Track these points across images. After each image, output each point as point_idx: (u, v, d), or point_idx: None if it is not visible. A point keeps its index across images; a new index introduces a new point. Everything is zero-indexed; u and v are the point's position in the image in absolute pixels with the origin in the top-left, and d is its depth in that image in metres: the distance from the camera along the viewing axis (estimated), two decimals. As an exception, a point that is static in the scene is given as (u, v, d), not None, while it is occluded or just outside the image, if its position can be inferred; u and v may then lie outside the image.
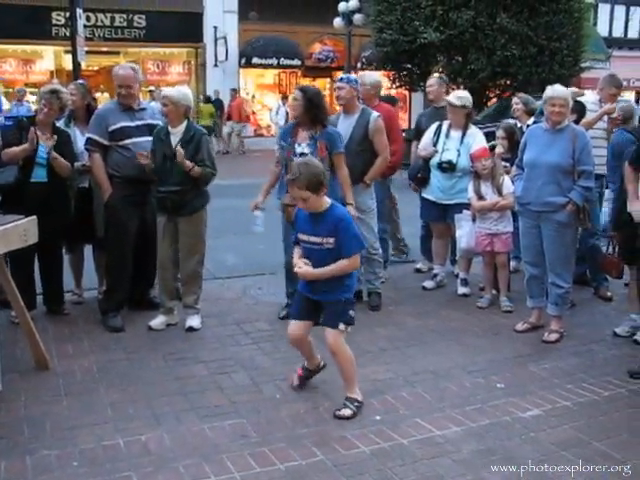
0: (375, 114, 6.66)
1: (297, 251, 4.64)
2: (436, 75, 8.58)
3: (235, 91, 24.58)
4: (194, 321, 6.02)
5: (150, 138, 5.90)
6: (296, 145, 6.00)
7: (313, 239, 4.47)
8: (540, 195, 5.73)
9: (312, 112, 5.90)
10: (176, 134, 5.78)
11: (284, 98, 23.44)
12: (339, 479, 3.76)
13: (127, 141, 5.92)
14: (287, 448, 4.06)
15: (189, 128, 5.81)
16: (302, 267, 4.47)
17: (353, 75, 6.94)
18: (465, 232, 6.85)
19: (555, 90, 5.76)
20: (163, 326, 5.99)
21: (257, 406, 4.60)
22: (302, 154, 5.87)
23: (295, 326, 4.68)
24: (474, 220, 6.78)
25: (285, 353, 5.45)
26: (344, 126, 6.53)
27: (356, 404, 4.51)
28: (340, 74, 9.48)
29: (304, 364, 4.90)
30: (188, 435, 4.20)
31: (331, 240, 4.40)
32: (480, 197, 6.64)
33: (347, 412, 4.45)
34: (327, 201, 4.46)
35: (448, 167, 6.93)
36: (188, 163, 5.65)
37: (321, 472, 3.82)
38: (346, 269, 4.46)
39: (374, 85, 7.22)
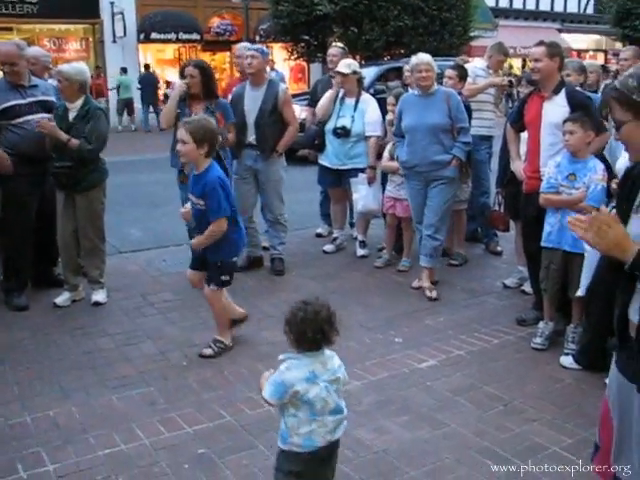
0: (283, 85, 6.82)
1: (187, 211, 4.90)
2: (339, 45, 8.72)
3: (99, 68, 23.62)
4: (99, 295, 6.04)
5: (44, 115, 5.81)
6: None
7: (192, 198, 4.74)
8: (426, 156, 6.03)
9: (208, 85, 6.09)
10: (73, 110, 5.74)
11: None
12: (246, 437, 3.92)
13: (20, 119, 5.79)
14: (195, 412, 4.20)
15: (85, 103, 5.77)
16: (193, 241, 4.83)
17: (265, 47, 6.98)
18: (362, 195, 7.06)
19: (419, 57, 6.11)
20: (68, 302, 5.99)
21: (164, 374, 4.72)
22: None
23: (190, 274, 5.11)
24: (370, 183, 7.00)
25: (191, 321, 5.59)
26: (252, 98, 6.62)
27: (219, 345, 4.98)
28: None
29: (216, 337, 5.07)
30: (97, 407, 4.28)
31: (202, 202, 4.65)
32: (392, 158, 6.85)
33: (208, 351, 4.96)
34: (208, 163, 4.64)
35: (342, 133, 7.11)
36: (63, 135, 5.61)
37: (229, 432, 3.98)
38: (213, 234, 4.71)
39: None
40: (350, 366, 4.74)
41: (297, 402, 2.93)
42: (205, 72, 6.26)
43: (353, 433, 3.93)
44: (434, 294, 6.15)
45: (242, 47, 7.55)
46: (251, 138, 6.64)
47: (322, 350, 3.02)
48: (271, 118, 6.58)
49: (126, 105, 22.96)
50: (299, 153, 11.55)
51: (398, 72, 13.93)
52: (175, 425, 4.06)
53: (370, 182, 7.03)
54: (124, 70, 23.45)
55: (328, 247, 7.59)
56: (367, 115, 7.09)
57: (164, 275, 6.80)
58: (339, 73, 7.09)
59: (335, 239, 7.66)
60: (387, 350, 5.08)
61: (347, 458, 3.69)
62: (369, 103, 7.18)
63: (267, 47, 7.91)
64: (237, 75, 7.92)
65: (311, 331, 2.92)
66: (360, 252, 7.36)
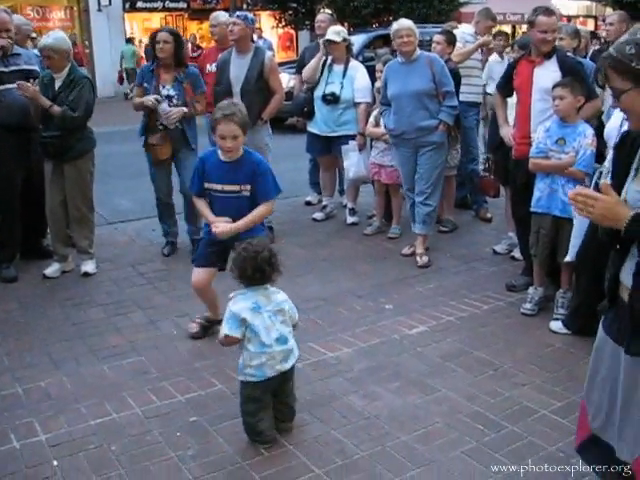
0: (269, 53, 6.74)
1: (204, 205, 4.55)
2: (327, 11, 8.65)
3: (74, 35, 22.48)
4: (89, 266, 6.02)
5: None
6: (160, 87, 6.08)
7: (229, 187, 4.39)
8: (412, 122, 6.00)
9: (179, 54, 6.01)
10: (59, 79, 5.67)
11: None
12: (237, 405, 3.90)
13: (1, 87, 5.70)
14: (186, 381, 4.21)
15: (70, 72, 5.69)
16: (219, 227, 4.36)
17: (250, 14, 6.88)
18: (353, 162, 7.02)
19: (399, 23, 6.08)
20: (58, 273, 5.97)
21: (155, 343, 4.72)
22: (168, 96, 6.06)
23: (199, 274, 4.66)
24: (360, 150, 6.97)
25: (181, 291, 5.57)
26: (238, 66, 6.57)
27: None
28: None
29: (205, 313, 4.90)
30: (88, 377, 4.28)
31: (248, 187, 4.35)
32: (377, 124, 6.81)
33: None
34: (242, 147, 4.40)
35: (332, 99, 7.06)
36: (44, 101, 5.53)
37: (220, 400, 4.00)
38: (264, 214, 4.52)
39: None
40: (341, 333, 4.82)
41: (248, 334, 3.41)
42: (178, 39, 6.17)
43: (344, 399, 3.97)
44: (425, 260, 6.16)
45: (216, 16, 7.52)
46: None
47: (265, 286, 3.50)
48: (257, 86, 6.52)
49: (128, 74, 22.67)
50: (287, 122, 11.49)
51: (386, 39, 13.84)
52: (167, 394, 4.07)
53: (360, 149, 6.99)
54: (128, 40, 23.31)
55: (318, 215, 7.57)
56: (356, 81, 7.04)
57: (153, 245, 6.78)
58: (329, 41, 7.01)
59: (325, 207, 7.65)
60: (377, 317, 5.09)
61: (339, 424, 3.73)
62: (358, 69, 7.13)
63: (255, 15, 7.83)
64: (214, 44, 7.82)
65: (251, 269, 3.41)
66: (350, 219, 7.36)
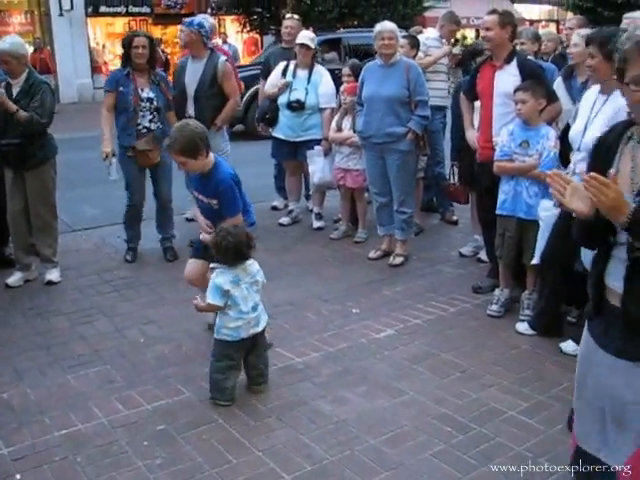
0: (223, 58, 6.71)
1: (198, 211, 4.69)
2: (295, 16, 8.62)
3: (39, 39, 21.63)
4: (53, 274, 5.94)
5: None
6: (139, 90, 6.07)
7: (202, 198, 4.52)
8: (381, 127, 5.99)
9: (153, 56, 6.09)
10: (16, 85, 5.58)
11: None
12: (205, 412, 3.90)
13: None
14: (154, 389, 4.17)
15: (29, 77, 5.61)
16: (205, 235, 4.49)
17: (197, 19, 6.82)
18: (318, 167, 7.02)
19: (382, 25, 6.06)
20: (21, 282, 5.88)
21: (122, 351, 4.67)
22: (149, 99, 6.09)
23: (190, 265, 4.77)
24: (326, 155, 6.98)
25: (147, 297, 5.54)
26: (193, 70, 6.58)
27: None
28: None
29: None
30: (53, 387, 4.22)
31: (214, 201, 4.43)
32: (339, 129, 6.83)
33: None
34: (211, 161, 4.39)
35: (297, 106, 7.06)
36: (11, 105, 5.43)
37: (188, 408, 3.96)
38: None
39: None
40: (308, 338, 4.81)
41: (229, 302, 3.89)
42: (153, 42, 6.24)
43: (312, 404, 3.97)
44: (398, 260, 6.23)
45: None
46: (190, 111, 6.58)
47: (244, 262, 3.96)
48: (210, 90, 6.53)
49: None
50: (234, 129, 11.43)
51: (333, 44, 13.77)
52: (133, 402, 4.02)
53: (326, 154, 6.99)
54: None
55: (284, 219, 7.57)
56: (321, 87, 7.04)
57: (119, 252, 6.70)
58: (304, 46, 7.02)
59: (291, 211, 7.64)
60: (345, 321, 5.09)
61: (307, 429, 3.72)
62: (322, 75, 7.13)
63: (219, 20, 7.81)
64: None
65: (233, 253, 3.90)
66: (316, 224, 7.36)
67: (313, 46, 7.05)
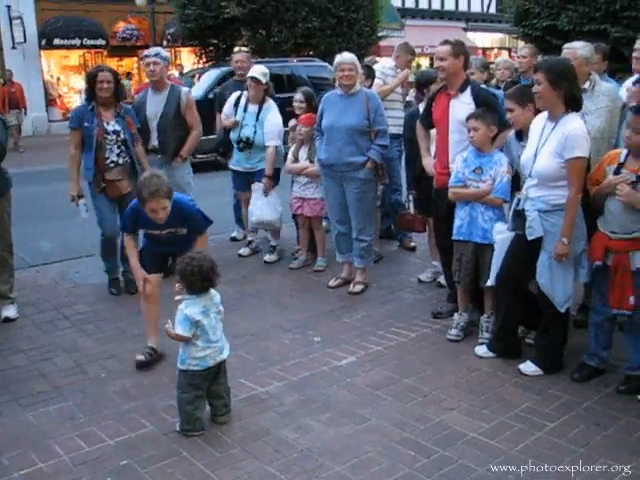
0: (185, 89, 6.79)
1: (135, 255, 4.83)
2: (244, 49, 8.71)
3: (10, 73, 20.42)
4: (10, 311, 5.86)
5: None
6: (105, 124, 6.07)
7: (167, 230, 4.67)
8: (341, 156, 6.06)
9: (118, 90, 6.08)
10: None
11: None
12: (170, 445, 3.88)
13: None
14: (116, 423, 4.13)
15: None
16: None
17: (158, 50, 6.88)
18: (256, 206, 7.02)
19: (342, 56, 6.13)
20: (-23, 320, 5.79)
21: (82, 387, 4.62)
22: (115, 132, 6.10)
23: (154, 278, 4.88)
24: (266, 194, 6.98)
25: (107, 332, 5.50)
26: (154, 103, 6.61)
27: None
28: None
29: (148, 344, 4.94)
30: (11, 427, 4.14)
31: (184, 229, 4.69)
32: (296, 160, 6.89)
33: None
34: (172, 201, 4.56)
35: (245, 145, 7.13)
36: None
37: (151, 441, 3.93)
38: (203, 246, 4.70)
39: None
40: (270, 367, 4.82)
41: (198, 333, 3.92)
42: (117, 76, 6.25)
43: (276, 433, 3.97)
44: (357, 288, 6.28)
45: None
46: (154, 143, 6.60)
47: (209, 290, 4.01)
48: (174, 122, 6.58)
49: None
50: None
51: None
52: (95, 438, 3.98)
53: (266, 193, 7.00)
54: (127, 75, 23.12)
55: (243, 250, 7.58)
56: (266, 124, 7.04)
57: (78, 287, 6.65)
58: (254, 79, 7.05)
59: (250, 242, 7.65)
60: (306, 350, 5.11)
61: (272, 458, 3.72)
62: (269, 111, 7.12)
63: (176, 51, 7.89)
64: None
65: (199, 281, 3.92)
66: (267, 257, 7.33)
67: (264, 81, 7.06)
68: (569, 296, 4.51)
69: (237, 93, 7.35)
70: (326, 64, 16.44)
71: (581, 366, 4.61)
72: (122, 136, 6.16)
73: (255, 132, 7.08)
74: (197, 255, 3.99)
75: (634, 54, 5.20)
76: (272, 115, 7.10)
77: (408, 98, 8.50)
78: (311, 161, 6.71)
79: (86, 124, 6.10)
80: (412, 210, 6.57)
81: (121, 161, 6.18)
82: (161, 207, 4.43)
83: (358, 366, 4.83)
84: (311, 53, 21.33)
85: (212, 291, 4.05)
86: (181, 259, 4.00)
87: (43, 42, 24.30)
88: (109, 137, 6.12)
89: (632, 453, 3.70)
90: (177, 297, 4.02)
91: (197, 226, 4.72)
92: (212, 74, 15.09)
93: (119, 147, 6.17)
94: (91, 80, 6.13)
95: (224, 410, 4.13)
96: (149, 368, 4.84)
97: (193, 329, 3.92)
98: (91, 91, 6.15)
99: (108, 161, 6.13)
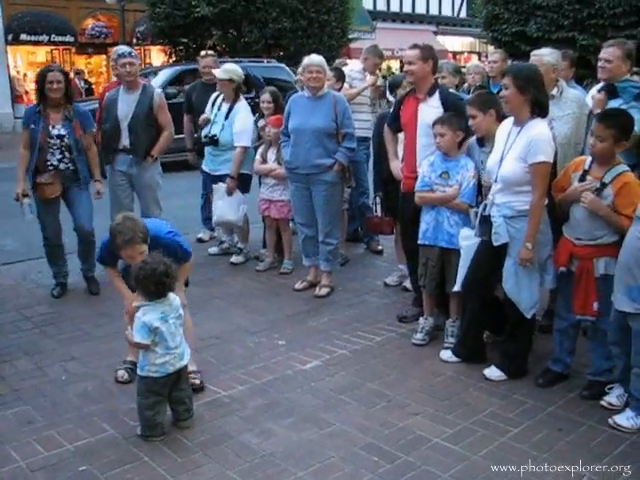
0: (158, 90, 6.71)
1: (121, 281, 4.60)
2: (210, 53, 8.67)
3: None
4: (-31, 312, 5.76)
5: None
6: (50, 127, 5.98)
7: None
8: (308, 159, 6.04)
9: (69, 91, 5.96)
10: None
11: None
12: (130, 450, 3.82)
13: None
14: (76, 428, 4.06)
15: None
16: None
17: (129, 49, 6.79)
18: (217, 205, 6.97)
19: (310, 59, 6.10)
20: None
21: (42, 390, 4.53)
22: (59, 136, 5.98)
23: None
24: (229, 194, 6.91)
25: (70, 334, 5.43)
26: (126, 102, 6.51)
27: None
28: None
29: (127, 358, 4.72)
30: (-33, 432, 4.06)
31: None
32: (264, 161, 6.85)
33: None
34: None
35: (210, 141, 7.08)
36: None
37: (112, 446, 3.87)
38: (186, 274, 4.66)
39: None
40: (234, 371, 4.78)
41: (157, 339, 3.85)
42: (68, 77, 6.13)
43: (239, 438, 3.93)
44: (323, 292, 6.26)
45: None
46: (125, 142, 6.51)
47: (167, 295, 3.92)
48: (146, 122, 6.49)
49: None
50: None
51: (195, 74, 13.47)
52: (54, 443, 3.90)
53: (229, 192, 6.93)
54: None
55: (213, 249, 7.57)
56: (235, 124, 6.98)
57: (40, 287, 6.55)
58: (218, 78, 7.06)
59: (222, 242, 7.60)
60: (271, 353, 5.08)
61: (234, 464, 3.68)
62: (239, 111, 7.06)
63: (145, 50, 7.82)
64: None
65: (153, 285, 3.83)
66: (234, 259, 7.27)
67: (227, 77, 6.98)
68: (535, 302, 4.54)
69: (216, 93, 7.30)
70: (283, 65, 16.41)
71: (545, 371, 4.63)
72: (66, 141, 6.02)
73: (222, 130, 7.03)
74: (151, 259, 3.91)
75: (599, 62, 5.24)
76: (242, 115, 7.04)
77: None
78: (279, 163, 6.68)
79: (32, 126, 6.00)
80: (379, 213, 6.56)
81: (62, 166, 6.05)
82: (138, 252, 4.17)
83: (323, 370, 4.81)
84: (281, 54, 21.34)
85: (171, 296, 3.97)
86: (136, 264, 3.93)
87: (9, 37, 23.91)
88: (52, 141, 5.99)
89: (593, 458, 3.72)
90: (134, 304, 3.95)
91: (176, 258, 4.31)
92: (166, 72, 14.94)
93: (62, 152, 6.04)
94: (40, 80, 5.99)
95: (186, 415, 4.08)
96: (113, 370, 4.76)
97: (152, 336, 3.85)
98: (41, 92, 6.01)
99: (48, 164, 6.01)
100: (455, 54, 38.77)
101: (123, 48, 6.81)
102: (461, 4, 40.63)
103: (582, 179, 4.26)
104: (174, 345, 3.93)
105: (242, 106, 7.13)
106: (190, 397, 4.11)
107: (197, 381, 4.48)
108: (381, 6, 36.59)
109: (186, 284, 4.79)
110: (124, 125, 6.50)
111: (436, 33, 38.46)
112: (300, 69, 6.20)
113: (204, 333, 5.34)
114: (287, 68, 15.95)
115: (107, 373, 4.74)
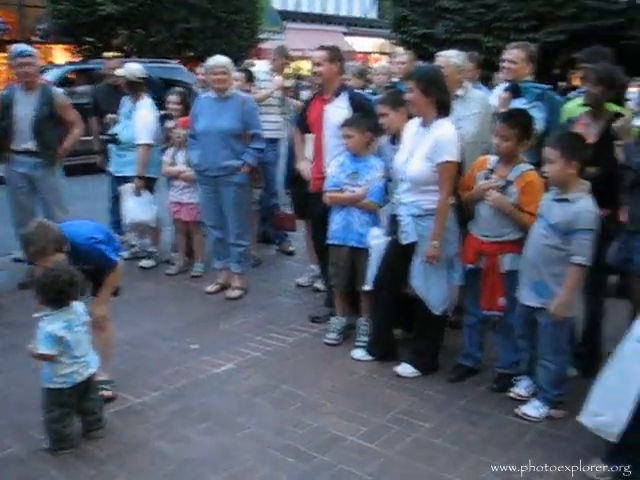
0: (59, 89, 6.55)
1: None
2: (116, 54, 8.56)
3: None
4: None
5: None
6: None
7: (77, 267, 4.09)
8: (216, 160, 5.98)
9: None
10: None
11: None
12: (37, 466, 3.68)
13: None
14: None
15: None
16: None
17: (28, 48, 6.53)
18: (129, 207, 6.86)
19: (215, 60, 6.06)
20: None
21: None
22: None
23: None
24: (137, 194, 6.83)
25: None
26: (25, 103, 6.30)
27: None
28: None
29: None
30: None
31: (88, 267, 4.11)
32: (173, 163, 6.76)
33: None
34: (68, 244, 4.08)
35: (111, 140, 6.99)
36: None
37: (17, 462, 3.72)
38: (114, 281, 4.47)
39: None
40: (147, 377, 4.70)
41: (62, 349, 3.71)
42: None
43: (153, 445, 3.87)
44: (235, 293, 6.22)
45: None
46: (29, 144, 6.29)
47: (70, 304, 3.78)
48: (51, 123, 6.30)
49: None
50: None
51: (89, 75, 12.67)
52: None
53: (137, 192, 6.82)
54: None
55: (122, 253, 7.31)
56: (137, 121, 6.89)
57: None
58: (125, 78, 6.99)
59: (133, 246, 7.45)
60: (184, 358, 5.01)
61: (148, 472, 3.62)
62: (140, 108, 6.98)
63: (47, 49, 7.61)
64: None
65: (54, 293, 3.69)
66: (143, 263, 7.14)
67: (129, 75, 6.95)
68: (444, 299, 4.63)
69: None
70: (181, 66, 16.20)
71: (456, 367, 4.74)
72: None
73: (124, 128, 6.94)
74: (56, 267, 3.75)
75: (504, 64, 5.40)
76: (142, 112, 6.95)
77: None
78: (189, 165, 6.59)
79: None
80: (285, 210, 6.60)
81: None
82: (52, 263, 3.91)
83: (236, 373, 4.78)
84: (191, 54, 21.10)
85: (75, 304, 3.83)
86: (40, 272, 3.79)
87: None
88: None
89: (502, 448, 3.83)
90: (35, 315, 3.75)
91: (98, 267, 4.21)
92: (53, 73, 14.50)
93: None
94: None
95: (97, 425, 3.97)
96: (17, 383, 4.59)
97: (57, 346, 3.71)
98: None
99: None
100: (365, 54, 39.18)
101: (22, 47, 6.56)
102: (371, 5, 41.11)
103: (487, 178, 4.38)
104: (80, 354, 3.80)
105: (144, 104, 7.04)
106: (100, 406, 4.01)
107: (109, 393, 4.35)
108: (291, 6, 36.69)
109: (116, 293, 4.60)
110: (23, 126, 6.27)
111: (346, 34, 38.77)
112: (203, 70, 6.15)
113: (115, 340, 5.18)
114: (185, 69, 15.73)
115: (11, 386, 4.57)
